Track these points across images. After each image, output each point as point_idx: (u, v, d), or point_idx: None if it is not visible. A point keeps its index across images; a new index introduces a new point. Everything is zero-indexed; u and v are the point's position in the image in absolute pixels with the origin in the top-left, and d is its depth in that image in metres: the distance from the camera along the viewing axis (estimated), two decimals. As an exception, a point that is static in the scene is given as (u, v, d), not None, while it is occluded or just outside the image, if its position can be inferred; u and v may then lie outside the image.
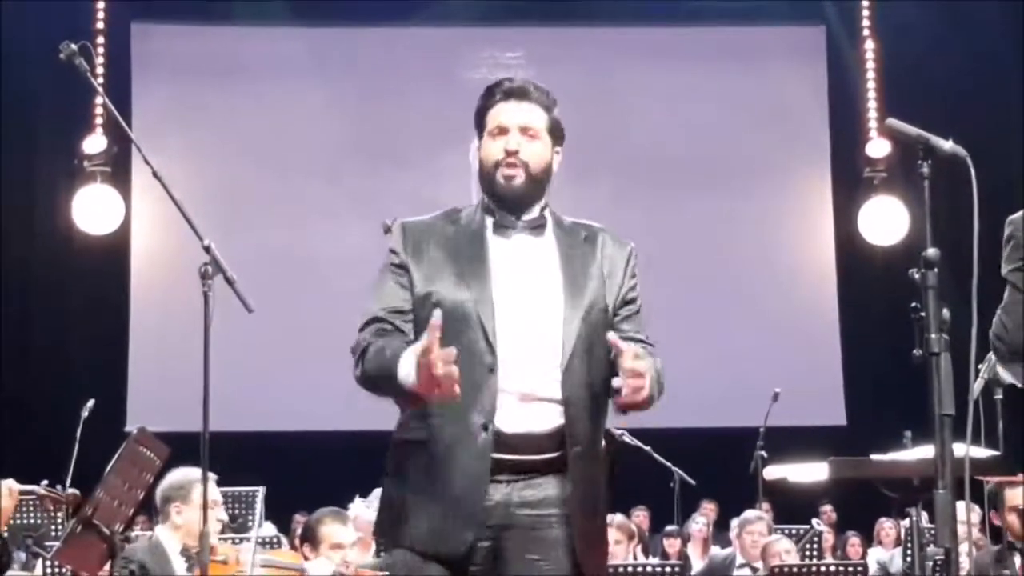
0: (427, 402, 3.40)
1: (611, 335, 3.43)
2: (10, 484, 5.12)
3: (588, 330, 3.56)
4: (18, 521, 8.53)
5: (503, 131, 3.65)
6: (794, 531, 9.82)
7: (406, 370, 3.36)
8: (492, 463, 3.48)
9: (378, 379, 3.50)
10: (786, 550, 8.68)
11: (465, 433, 3.47)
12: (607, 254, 3.70)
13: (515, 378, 3.50)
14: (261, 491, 6.72)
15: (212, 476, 6.09)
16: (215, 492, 6.36)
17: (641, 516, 12.49)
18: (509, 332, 3.51)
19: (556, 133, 3.72)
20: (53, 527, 8.92)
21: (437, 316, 3.30)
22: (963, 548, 6.69)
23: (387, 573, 3.61)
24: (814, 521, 9.85)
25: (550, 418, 3.52)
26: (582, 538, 3.54)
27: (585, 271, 3.65)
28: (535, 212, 3.69)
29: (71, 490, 5.30)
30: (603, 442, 3.73)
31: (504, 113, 3.67)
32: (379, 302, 3.63)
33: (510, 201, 3.65)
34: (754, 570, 9.13)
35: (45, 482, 5.25)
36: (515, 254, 3.64)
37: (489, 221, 3.67)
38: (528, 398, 3.51)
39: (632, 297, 3.72)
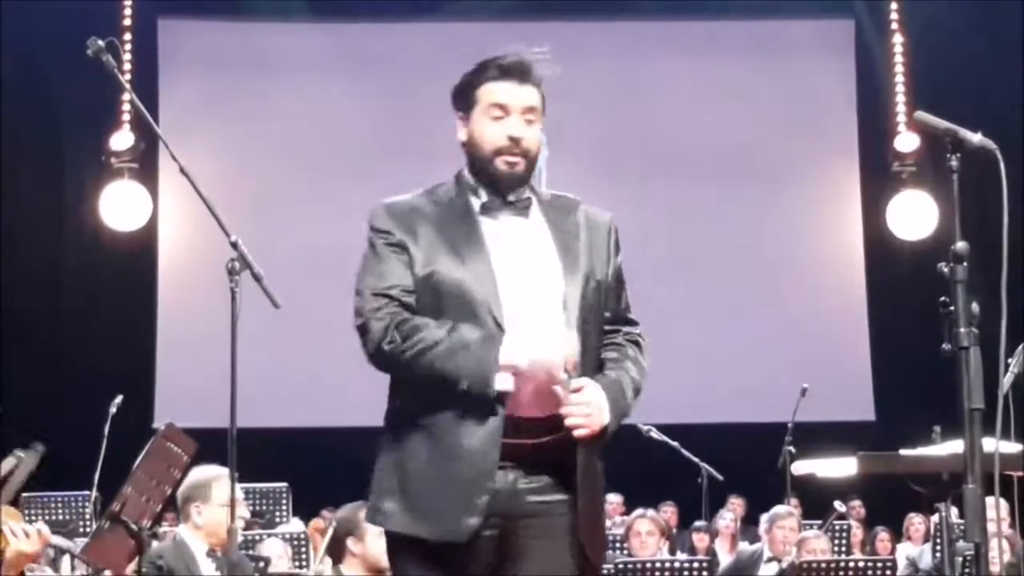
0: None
1: (556, 388, 3.40)
2: (39, 527, 5.07)
3: (586, 303, 3.52)
4: (47, 518, 8.57)
5: (504, 112, 3.55)
6: (821, 526, 9.78)
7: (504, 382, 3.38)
8: (501, 446, 3.39)
9: (444, 377, 3.38)
10: (823, 549, 8.64)
11: (474, 413, 3.39)
12: (590, 226, 3.64)
13: (521, 354, 3.42)
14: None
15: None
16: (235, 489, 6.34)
17: (669, 512, 12.46)
18: (513, 308, 3.45)
19: (544, 111, 3.62)
20: (81, 523, 8.97)
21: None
22: (993, 543, 6.63)
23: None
24: (836, 503, 9.76)
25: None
26: (586, 523, 3.48)
27: (576, 245, 3.58)
28: (523, 192, 3.61)
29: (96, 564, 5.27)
30: None
31: (504, 92, 3.56)
32: (383, 279, 3.51)
33: (506, 187, 3.57)
34: (780, 564, 9.08)
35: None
36: (507, 233, 3.56)
37: (475, 202, 3.58)
38: None
39: (619, 273, 3.69)
